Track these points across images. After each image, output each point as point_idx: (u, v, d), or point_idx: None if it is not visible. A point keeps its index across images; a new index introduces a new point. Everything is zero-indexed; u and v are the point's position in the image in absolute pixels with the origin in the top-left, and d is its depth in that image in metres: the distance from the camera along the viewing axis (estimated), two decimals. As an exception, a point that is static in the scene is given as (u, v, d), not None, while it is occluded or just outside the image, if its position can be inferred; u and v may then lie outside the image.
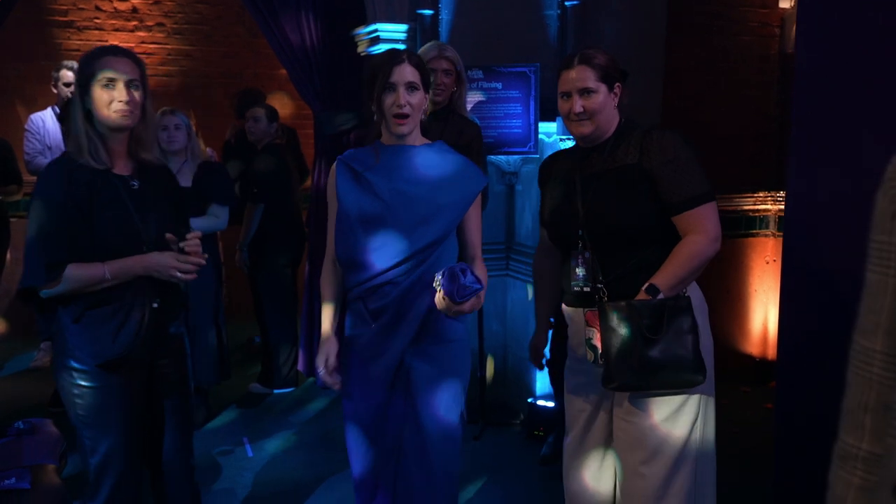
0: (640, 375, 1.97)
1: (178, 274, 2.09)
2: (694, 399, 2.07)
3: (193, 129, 3.90)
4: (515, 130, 3.78)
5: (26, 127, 4.74)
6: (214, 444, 3.76)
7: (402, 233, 2.06)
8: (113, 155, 2.12)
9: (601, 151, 2.13)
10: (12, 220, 4.89)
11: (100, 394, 2.07)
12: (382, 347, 2.11)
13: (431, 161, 2.13)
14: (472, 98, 3.74)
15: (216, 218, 3.77)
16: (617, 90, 2.12)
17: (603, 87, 2.08)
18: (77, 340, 2.04)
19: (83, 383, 2.06)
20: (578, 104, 2.06)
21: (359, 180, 2.12)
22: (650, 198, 2.03)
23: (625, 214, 2.05)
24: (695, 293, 2.10)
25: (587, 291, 2.10)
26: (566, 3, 3.84)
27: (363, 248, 2.08)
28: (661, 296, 1.96)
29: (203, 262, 2.13)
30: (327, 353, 2.16)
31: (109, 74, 2.04)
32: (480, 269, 2.14)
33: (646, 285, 1.98)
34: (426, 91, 2.11)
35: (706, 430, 2.13)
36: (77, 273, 2.01)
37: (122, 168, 2.15)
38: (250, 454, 3.67)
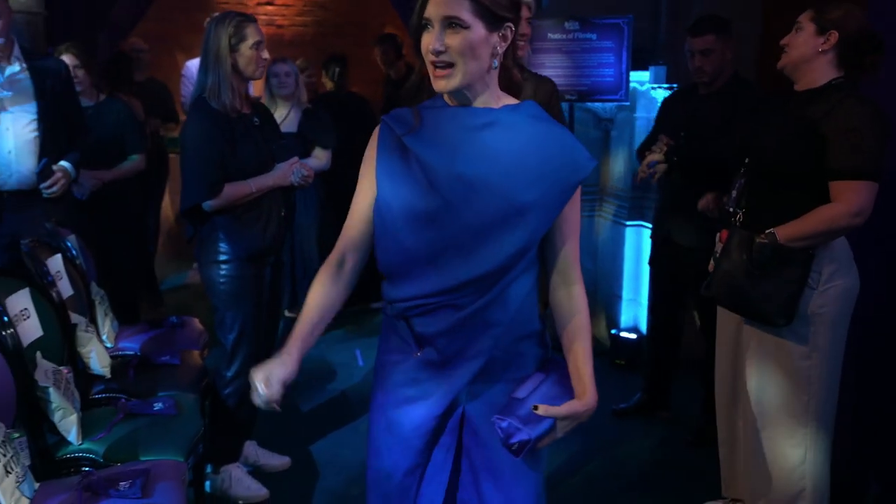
0: (731, 296, 2.26)
1: (294, 179, 2.79)
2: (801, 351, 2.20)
3: (300, 76, 4.38)
4: (608, 79, 4.02)
5: (182, 72, 5.43)
6: (330, 353, 4.35)
7: (468, 240, 1.43)
8: (241, 99, 2.66)
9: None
10: (170, 156, 5.65)
11: (241, 282, 2.70)
12: (428, 386, 1.52)
13: (513, 133, 1.45)
14: (554, 48, 4.01)
15: (318, 160, 4.23)
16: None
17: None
18: (232, 238, 2.67)
19: (230, 273, 2.68)
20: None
21: (405, 156, 1.48)
22: (817, 154, 2.10)
23: (786, 159, 2.16)
24: (837, 259, 2.17)
25: (729, 212, 2.31)
26: (663, -44, 4.00)
27: (411, 257, 1.47)
28: (778, 242, 2.12)
29: (310, 172, 2.86)
30: (272, 371, 1.48)
31: (258, 38, 2.65)
32: (574, 297, 1.53)
33: (769, 230, 2.14)
34: (492, 27, 1.41)
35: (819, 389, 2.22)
36: (231, 190, 2.65)
37: (245, 108, 2.73)
38: (361, 363, 4.23)
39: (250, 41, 2.63)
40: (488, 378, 1.51)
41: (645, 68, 4.05)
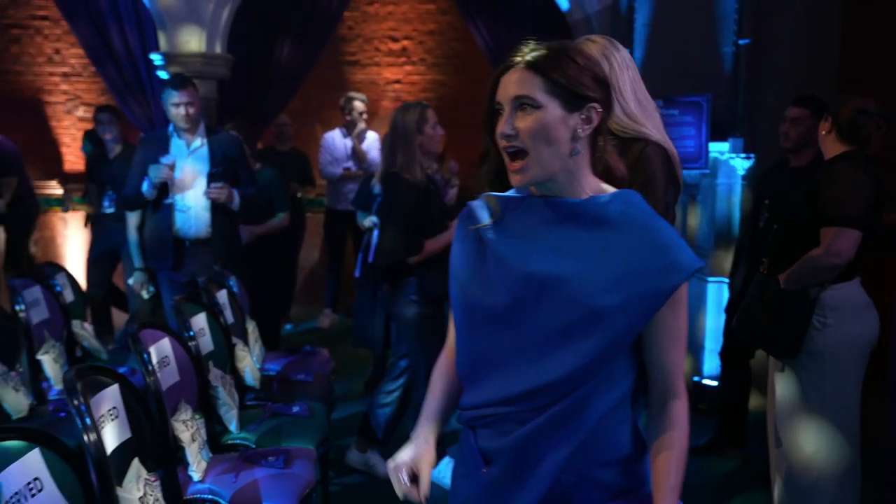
0: (749, 330, 2.73)
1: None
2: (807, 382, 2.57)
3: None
4: (689, 149, 4.48)
5: (321, 143, 6.28)
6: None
7: (537, 345, 1.31)
8: (423, 170, 3.39)
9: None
10: (307, 214, 6.50)
11: (426, 318, 3.38)
12: None
13: (597, 228, 1.31)
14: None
15: None
16: None
17: None
18: (428, 283, 3.32)
19: (420, 311, 3.36)
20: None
21: (481, 248, 1.38)
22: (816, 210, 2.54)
23: (798, 215, 2.63)
24: (843, 306, 2.53)
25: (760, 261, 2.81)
26: (740, 42, 4.46)
27: (478, 359, 1.37)
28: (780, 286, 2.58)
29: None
30: (418, 463, 1.43)
31: (435, 119, 3.40)
32: (670, 412, 1.36)
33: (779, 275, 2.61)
34: (572, 107, 1.30)
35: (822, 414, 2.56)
36: (430, 246, 3.29)
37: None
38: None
39: (431, 122, 3.36)
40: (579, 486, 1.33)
41: (724, 139, 4.49)
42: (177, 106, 3.73)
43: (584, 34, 5.10)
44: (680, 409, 1.37)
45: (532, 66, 1.31)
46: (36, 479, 1.60)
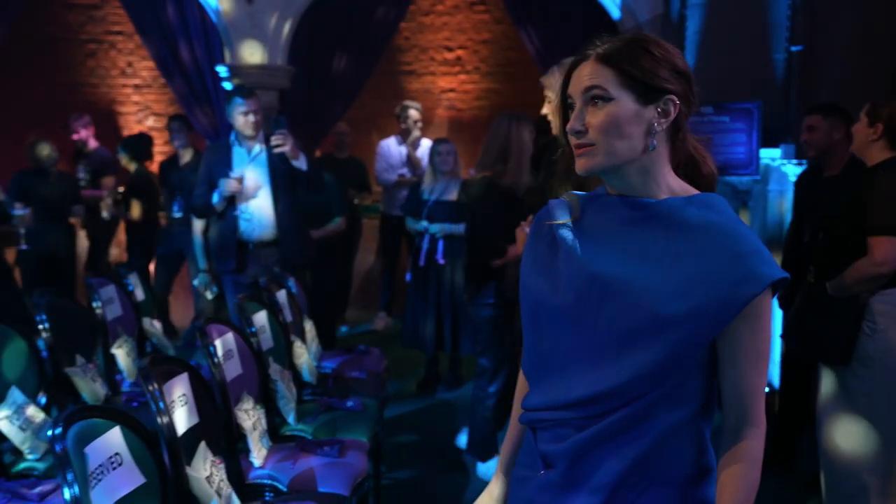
0: (800, 338, 2.81)
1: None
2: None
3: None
4: (740, 156, 4.50)
5: (377, 151, 6.46)
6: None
7: (598, 350, 1.26)
8: None
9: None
10: (363, 220, 6.69)
11: (504, 318, 3.58)
12: None
13: (671, 232, 1.23)
14: (691, 128, 4.55)
15: None
16: None
17: None
18: (506, 286, 3.51)
19: (499, 312, 3.56)
20: None
21: (553, 248, 1.34)
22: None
23: (843, 224, 2.69)
24: (893, 311, 2.54)
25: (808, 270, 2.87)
26: (792, 49, 4.46)
27: (542, 360, 1.34)
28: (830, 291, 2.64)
29: None
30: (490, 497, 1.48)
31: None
32: (741, 440, 1.24)
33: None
34: (647, 100, 1.23)
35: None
36: (511, 249, 3.45)
37: None
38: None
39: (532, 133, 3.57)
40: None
41: (776, 146, 4.49)
42: (245, 114, 3.94)
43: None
44: (754, 440, 1.23)
45: (604, 58, 1.23)
46: (116, 454, 1.78)
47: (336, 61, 5.69)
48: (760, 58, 4.55)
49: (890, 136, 2.62)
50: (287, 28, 5.20)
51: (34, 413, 2.65)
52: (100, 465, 1.71)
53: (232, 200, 3.98)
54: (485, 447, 3.69)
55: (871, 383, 2.59)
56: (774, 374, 4.47)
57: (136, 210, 5.56)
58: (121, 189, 5.80)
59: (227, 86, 5.25)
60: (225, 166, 3.96)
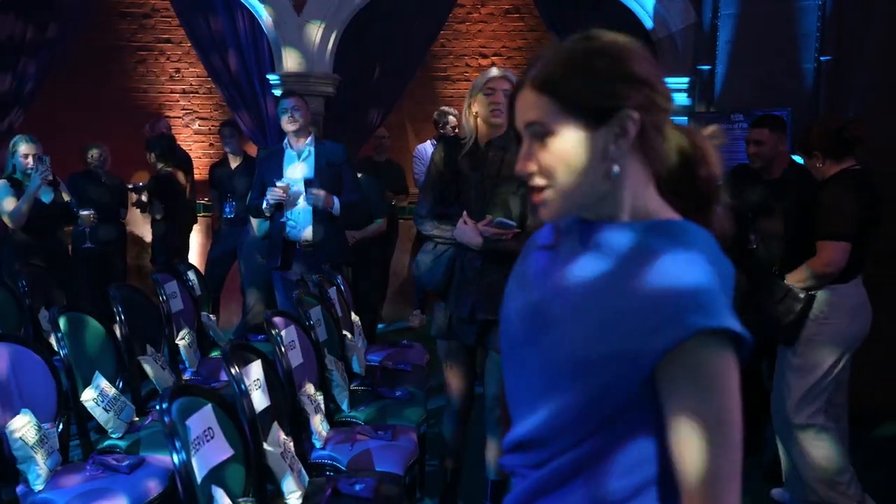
0: (757, 322, 3.07)
1: None
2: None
3: None
4: (769, 162, 4.65)
5: (414, 154, 6.69)
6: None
7: (532, 389, 1.11)
8: None
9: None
10: (400, 221, 6.92)
11: None
12: None
13: (608, 263, 1.05)
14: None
15: None
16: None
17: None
18: None
19: None
20: None
21: (524, 272, 1.20)
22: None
23: (800, 228, 3.14)
24: (838, 304, 3.00)
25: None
26: (821, 59, 4.61)
27: (505, 393, 1.21)
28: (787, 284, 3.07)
29: None
30: None
31: None
32: None
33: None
34: (596, 122, 1.04)
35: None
36: None
37: None
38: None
39: None
40: None
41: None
42: (285, 111, 4.22)
43: (669, 52, 5.37)
44: None
45: (538, 84, 1.05)
46: (209, 427, 2.02)
47: (377, 69, 5.93)
48: (790, 67, 4.70)
49: (828, 155, 3.05)
50: (333, 38, 5.45)
51: (116, 396, 2.91)
52: (196, 438, 1.95)
53: (280, 204, 4.24)
54: None
55: (809, 360, 3.04)
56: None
57: (158, 211, 5.83)
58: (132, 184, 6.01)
59: (277, 93, 5.51)
60: (276, 170, 4.22)
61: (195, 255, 7.16)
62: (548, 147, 1.05)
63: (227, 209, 5.58)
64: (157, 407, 1.87)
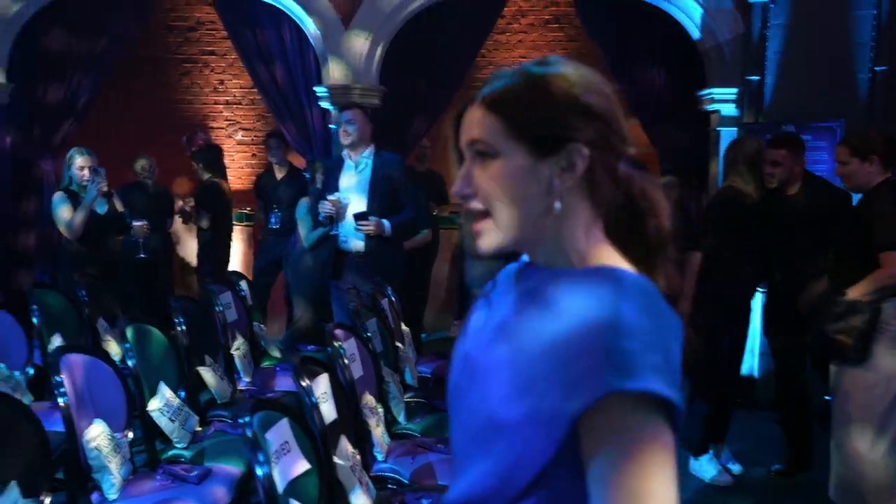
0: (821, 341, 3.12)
1: None
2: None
3: None
4: (822, 174, 4.59)
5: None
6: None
7: (460, 446, 1.06)
8: None
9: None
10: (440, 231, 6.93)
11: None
12: None
13: (541, 311, 0.97)
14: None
15: None
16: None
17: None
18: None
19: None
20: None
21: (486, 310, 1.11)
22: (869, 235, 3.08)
23: (855, 240, 3.15)
24: None
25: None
26: (876, 69, 4.55)
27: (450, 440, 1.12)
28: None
29: None
30: None
31: None
32: None
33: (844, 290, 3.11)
34: (541, 152, 0.98)
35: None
36: None
37: None
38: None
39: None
40: None
41: (859, 164, 4.57)
42: (339, 125, 4.30)
43: (716, 63, 5.32)
44: None
45: (489, 103, 1.00)
46: (286, 441, 2.03)
47: (422, 81, 5.96)
48: (844, 77, 4.65)
49: (887, 161, 3.06)
50: (379, 51, 5.49)
51: (180, 406, 2.95)
52: (276, 451, 1.97)
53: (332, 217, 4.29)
54: (701, 440, 3.86)
55: (881, 373, 2.97)
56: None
57: (204, 220, 5.90)
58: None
59: (325, 105, 5.56)
60: (333, 182, 4.26)
61: (236, 264, 7.23)
62: (488, 170, 1.00)
63: (273, 219, 5.64)
64: (239, 420, 1.89)
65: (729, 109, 5.26)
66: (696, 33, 5.35)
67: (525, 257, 1.08)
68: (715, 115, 5.35)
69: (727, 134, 5.23)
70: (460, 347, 1.09)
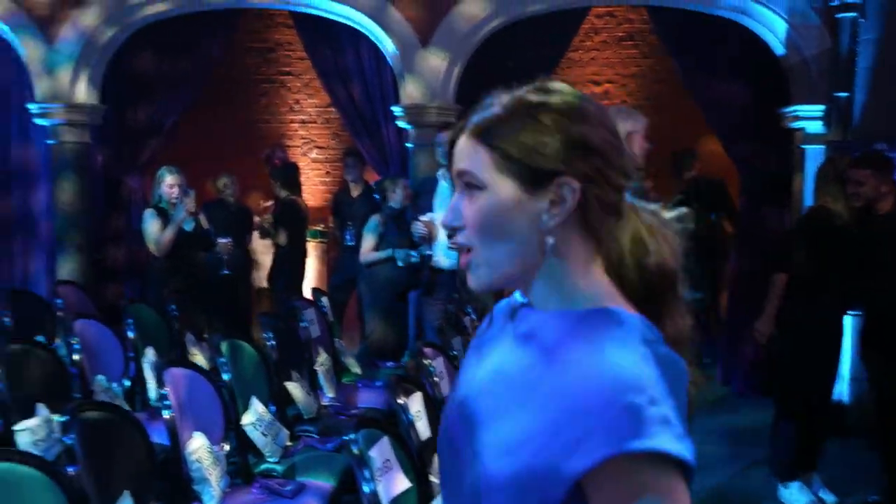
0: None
1: None
2: None
3: None
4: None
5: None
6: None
7: (450, 497, 1.01)
8: None
9: None
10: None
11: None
12: None
13: (540, 359, 0.92)
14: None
15: None
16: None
17: None
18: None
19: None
20: None
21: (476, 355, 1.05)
22: None
23: None
24: None
25: None
26: (975, 82, 4.37)
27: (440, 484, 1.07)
28: None
29: None
30: None
31: None
32: None
33: None
34: (532, 187, 0.93)
35: None
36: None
37: None
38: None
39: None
40: None
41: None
42: (437, 146, 4.59)
43: (802, 79, 5.19)
44: None
45: (477, 132, 0.96)
46: (388, 459, 2.05)
47: (497, 99, 5.97)
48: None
49: None
50: (456, 70, 5.53)
51: (272, 420, 3.00)
52: (378, 469, 1.99)
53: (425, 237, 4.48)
54: (789, 466, 3.75)
55: None
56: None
57: (282, 236, 6.03)
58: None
59: (402, 124, 5.63)
60: (428, 202, 4.52)
61: (310, 279, 7.36)
62: (476, 202, 0.95)
63: (348, 237, 5.72)
64: (344, 437, 1.91)
65: (815, 127, 5.11)
66: (779, 49, 5.23)
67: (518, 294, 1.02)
68: (799, 132, 5.21)
69: (812, 152, 5.08)
70: (456, 391, 1.03)
